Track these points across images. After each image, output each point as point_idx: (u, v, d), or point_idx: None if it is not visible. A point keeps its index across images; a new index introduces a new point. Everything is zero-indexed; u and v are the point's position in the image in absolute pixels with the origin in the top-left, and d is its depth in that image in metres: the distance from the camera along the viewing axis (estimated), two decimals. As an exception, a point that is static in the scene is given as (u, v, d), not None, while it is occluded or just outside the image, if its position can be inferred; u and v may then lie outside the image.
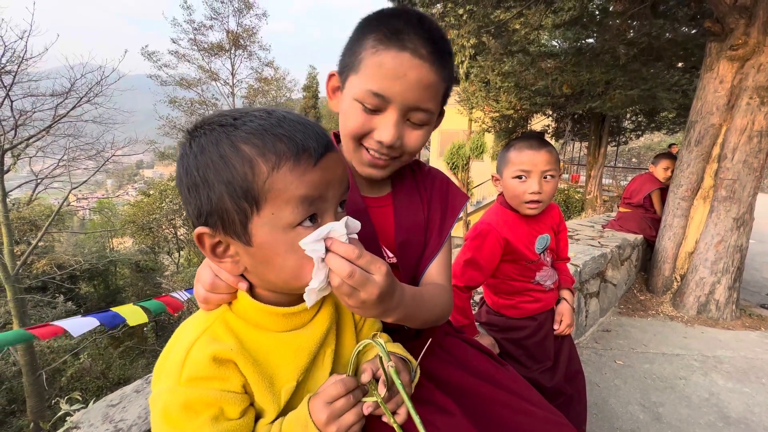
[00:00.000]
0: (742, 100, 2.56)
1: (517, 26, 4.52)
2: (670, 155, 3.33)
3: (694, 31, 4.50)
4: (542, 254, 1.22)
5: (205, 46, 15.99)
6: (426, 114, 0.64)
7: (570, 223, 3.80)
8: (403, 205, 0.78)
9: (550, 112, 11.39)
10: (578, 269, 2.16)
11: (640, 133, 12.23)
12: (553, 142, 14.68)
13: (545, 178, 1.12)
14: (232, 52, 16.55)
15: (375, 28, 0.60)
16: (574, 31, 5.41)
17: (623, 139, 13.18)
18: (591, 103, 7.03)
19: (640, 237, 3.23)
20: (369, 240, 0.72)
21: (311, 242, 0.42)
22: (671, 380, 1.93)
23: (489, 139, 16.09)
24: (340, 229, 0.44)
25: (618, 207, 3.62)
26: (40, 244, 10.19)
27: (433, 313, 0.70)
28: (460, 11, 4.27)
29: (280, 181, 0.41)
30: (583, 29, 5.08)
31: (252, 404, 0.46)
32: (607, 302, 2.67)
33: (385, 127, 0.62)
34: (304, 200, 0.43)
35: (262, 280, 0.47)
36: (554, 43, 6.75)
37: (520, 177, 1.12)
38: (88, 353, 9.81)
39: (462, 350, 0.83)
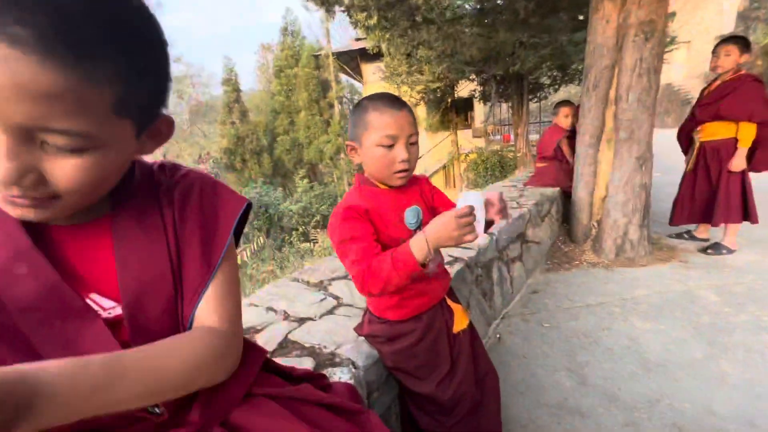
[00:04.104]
0: (629, 38, 2.55)
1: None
2: (568, 102, 3.35)
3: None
4: (417, 230, 0.99)
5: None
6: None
7: (494, 186, 3.76)
8: (131, 231, 0.50)
9: (474, 77, 11.53)
10: (494, 237, 2.04)
11: (557, 87, 12.87)
12: (481, 105, 15.06)
13: (411, 144, 0.90)
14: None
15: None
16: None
17: (543, 95, 13.83)
18: (511, 66, 7.11)
19: (557, 190, 3.25)
20: (51, 289, 0.45)
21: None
22: (595, 334, 1.89)
23: (421, 111, 16.15)
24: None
25: (535, 162, 3.63)
26: None
27: (177, 378, 0.46)
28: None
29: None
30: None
31: None
32: (533, 262, 2.62)
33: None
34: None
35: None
36: (459, 3, 6.65)
37: (386, 145, 0.87)
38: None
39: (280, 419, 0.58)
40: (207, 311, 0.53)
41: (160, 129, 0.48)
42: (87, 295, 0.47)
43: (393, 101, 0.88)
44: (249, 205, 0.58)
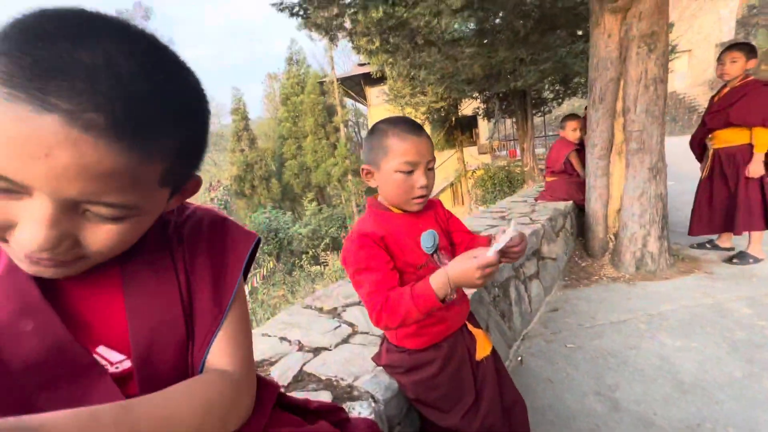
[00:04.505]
0: (632, 50, 2.56)
1: (413, 16, 4.40)
2: (574, 116, 3.34)
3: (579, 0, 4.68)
4: (434, 255, 0.96)
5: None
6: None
7: (504, 202, 3.72)
8: (141, 276, 0.48)
9: (477, 95, 11.67)
10: (509, 255, 1.99)
11: (560, 100, 12.94)
12: (485, 122, 15.17)
13: (429, 169, 0.89)
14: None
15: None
16: (476, 15, 5.45)
17: (546, 109, 13.89)
18: (513, 83, 7.17)
19: (570, 203, 3.20)
20: (58, 346, 0.43)
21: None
22: (623, 353, 1.80)
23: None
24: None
25: (545, 177, 3.59)
26: None
27: (189, 427, 0.44)
28: (352, 10, 4.06)
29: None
30: (482, 11, 5.11)
31: None
32: (550, 279, 2.55)
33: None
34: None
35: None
36: (456, 26, 6.81)
37: (406, 171, 0.85)
38: None
39: None
40: (219, 354, 0.50)
41: (189, 188, 0.48)
42: (94, 348, 0.45)
43: (413, 126, 0.87)
44: (258, 241, 0.57)
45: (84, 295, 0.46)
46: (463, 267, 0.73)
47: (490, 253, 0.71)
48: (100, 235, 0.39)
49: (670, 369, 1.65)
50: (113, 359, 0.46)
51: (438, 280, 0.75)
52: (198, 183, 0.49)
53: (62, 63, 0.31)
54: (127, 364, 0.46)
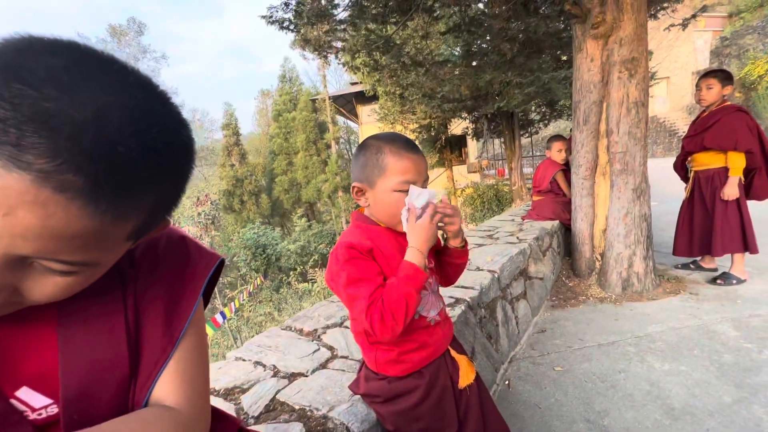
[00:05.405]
0: (614, 75, 2.63)
1: (402, 39, 4.50)
2: (560, 137, 3.40)
3: (562, 26, 4.87)
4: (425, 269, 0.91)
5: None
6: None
7: (491, 221, 3.72)
8: (81, 304, 0.43)
9: (465, 115, 11.89)
10: (496, 275, 1.95)
11: (546, 122, 13.27)
12: (474, 141, 15.42)
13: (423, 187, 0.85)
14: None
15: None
16: (463, 38, 5.61)
17: (534, 130, 14.22)
18: (498, 104, 7.33)
19: (556, 223, 3.21)
20: None
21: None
22: (611, 377, 1.75)
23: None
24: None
25: (532, 196, 3.62)
26: None
27: None
28: (342, 27, 4.13)
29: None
30: (469, 34, 5.26)
31: None
32: (538, 299, 2.52)
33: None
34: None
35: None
36: (443, 50, 6.98)
37: (404, 190, 0.81)
38: None
39: None
40: (166, 389, 0.45)
41: (154, 232, 0.43)
42: (14, 391, 0.39)
43: (409, 144, 0.84)
44: (221, 263, 0.52)
45: (9, 329, 0.40)
46: (420, 230, 0.80)
47: (417, 205, 0.81)
48: (46, 288, 0.34)
49: (660, 394, 1.61)
50: (36, 404, 0.40)
51: (412, 255, 0.80)
52: (166, 224, 0.44)
53: (46, 116, 0.27)
54: (54, 409, 0.40)
